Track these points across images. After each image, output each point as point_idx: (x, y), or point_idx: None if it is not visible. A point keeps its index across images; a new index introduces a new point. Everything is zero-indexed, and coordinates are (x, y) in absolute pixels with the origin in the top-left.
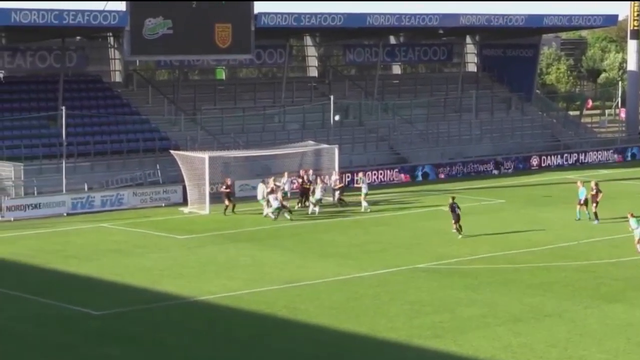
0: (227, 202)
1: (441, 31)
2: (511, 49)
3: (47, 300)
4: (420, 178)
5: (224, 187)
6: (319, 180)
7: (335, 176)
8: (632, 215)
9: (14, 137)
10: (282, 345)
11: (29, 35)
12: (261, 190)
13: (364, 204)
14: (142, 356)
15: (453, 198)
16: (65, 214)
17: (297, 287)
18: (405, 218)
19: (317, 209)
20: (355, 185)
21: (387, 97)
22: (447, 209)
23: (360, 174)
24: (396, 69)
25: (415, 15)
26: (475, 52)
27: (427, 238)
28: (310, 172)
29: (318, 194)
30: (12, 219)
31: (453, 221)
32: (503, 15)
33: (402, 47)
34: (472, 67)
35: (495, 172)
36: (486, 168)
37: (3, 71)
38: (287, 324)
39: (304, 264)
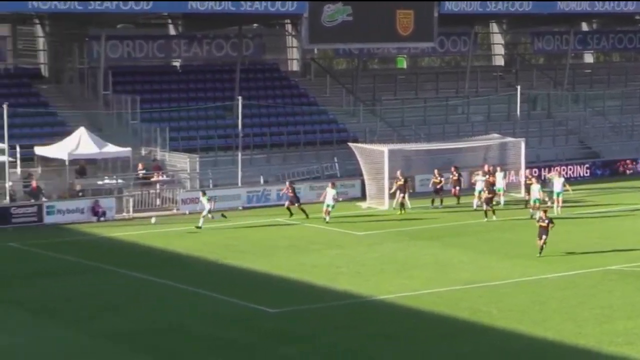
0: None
1: (638, 17)
2: None
3: (222, 297)
4: None
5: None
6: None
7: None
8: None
9: (189, 128)
10: (465, 349)
11: (206, 23)
12: (481, 180)
13: (557, 209)
14: (318, 358)
15: (545, 211)
16: (240, 208)
17: (480, 287)
18: (595, 217)
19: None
20: (548, 183)
21: (577, 87)
22: (543, 223)
23: (554, 172)
24: (588, 58)
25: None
26: None
27: (619, 238)
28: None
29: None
30: (187, 212)
31: (545, 237)
32: None
33: (595, 34)
34: None
35: None
36: None
37: (180, 60)
38: (469, 327)
39: (487, 264)
